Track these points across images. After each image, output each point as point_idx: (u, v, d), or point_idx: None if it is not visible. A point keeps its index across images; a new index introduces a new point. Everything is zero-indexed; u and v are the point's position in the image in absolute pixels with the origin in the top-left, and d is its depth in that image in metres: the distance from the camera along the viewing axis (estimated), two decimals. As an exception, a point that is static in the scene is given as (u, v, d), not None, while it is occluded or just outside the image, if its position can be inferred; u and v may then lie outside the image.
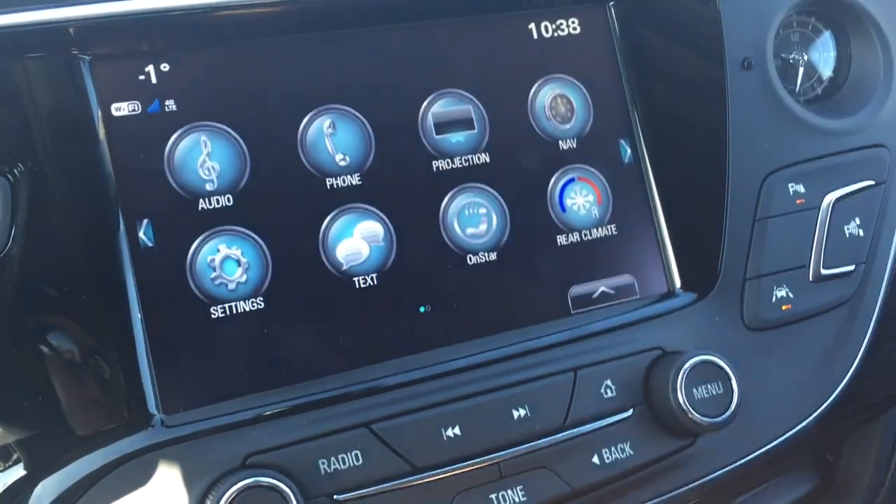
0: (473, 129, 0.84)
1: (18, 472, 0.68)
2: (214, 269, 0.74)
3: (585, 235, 0.86)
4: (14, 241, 0.67)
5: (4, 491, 0.68)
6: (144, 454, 0.67)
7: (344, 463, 0.70)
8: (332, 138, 0.79)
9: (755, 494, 1.01)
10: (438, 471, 0.72)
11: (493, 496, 0.73)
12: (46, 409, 0.68)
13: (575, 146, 0.87)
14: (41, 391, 0.68)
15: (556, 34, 0.88)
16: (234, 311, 0.74)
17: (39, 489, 0.67)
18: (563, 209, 0.86)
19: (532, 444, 0.75)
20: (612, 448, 0.77)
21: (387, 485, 0.70)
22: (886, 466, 1.04)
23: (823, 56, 1.00)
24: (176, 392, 0.71)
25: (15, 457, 0.68)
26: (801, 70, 0.99)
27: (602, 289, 0.86)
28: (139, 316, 0.70)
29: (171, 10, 0.73)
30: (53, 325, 0.69)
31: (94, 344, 0.69)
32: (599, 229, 0.87)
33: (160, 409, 0.70)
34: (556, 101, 0.87)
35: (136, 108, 0.73)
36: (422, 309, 0.79)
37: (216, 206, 0.74)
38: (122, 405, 0.69)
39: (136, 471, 0.67)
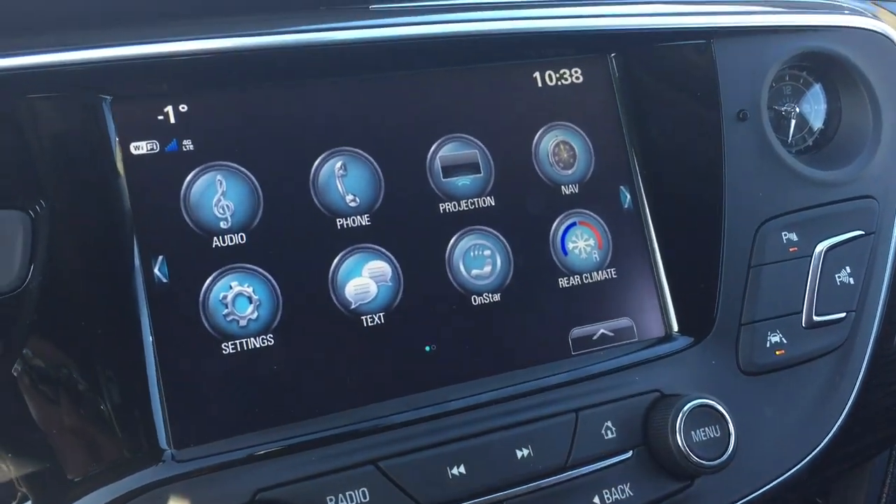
0: (480, 172, 0.86)
1: (27, 507, 0.68)
2: (227, 306, 0.75)
3: (586, 278, 0.88)
4: (33, 276, 0.68)
5: (13, 528, 0.68)
6: (155, 489, 0.68)
7: (352, 500, 0.71)
8: (343, 179, 0.81)
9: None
10: (444, 509, 0.73)
11: (496, 535, 0.74)
12: (57, 444, 0.69)
13: (577, 191, 0.89)
14: (52, 425, 0.69)
15: (559, 83, 0.91)
16: (245, 348, 0.75)
17: (49, 525, 0.67)
18: (565, 252, 0.88)
19: (535, 483, 0.76)
20: (613, 489, 0.79)
21: (393, 522, 0.71)
22: (875, 510, 1.06)
23: (814, 108, 1.03)
24: (187, 427, 0.72)
25: (23, 492, 0.68)
26: (793, 122, 1.02)
27: (602, 331, 0.88)
28: (152, 351, 0.72)
29: (190, 54, 0.74)
30: (67, 358, 0.70)
31: (106, 378, 0.70)
32: (600, 273, 0.89)
33: (171, 444, 0.71)
34: (559, 148, 0.90)
35: (155, 148, 0.75)
36: (427, 348, 0.81)
37: (230, 243, 0.76)
38: (134, 440, 0.70)
39: (147, 505, 0.68)
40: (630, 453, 0.80)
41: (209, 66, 0.76)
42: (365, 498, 0.71)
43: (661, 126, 0.93)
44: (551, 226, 0.88)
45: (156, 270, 0.73)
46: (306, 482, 0.70)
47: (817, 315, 0.92)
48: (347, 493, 0.71)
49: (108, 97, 0.73)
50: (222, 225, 0.76)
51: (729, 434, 0.81)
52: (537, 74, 0.90)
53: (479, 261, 0.84)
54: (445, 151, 0.85)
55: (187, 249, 0.75)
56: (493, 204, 0.86)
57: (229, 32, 0.75)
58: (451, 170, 0.85)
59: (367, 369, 0.79)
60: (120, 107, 0.74)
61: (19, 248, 0.68)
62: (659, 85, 0.93)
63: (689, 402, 0.80)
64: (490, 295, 0.84)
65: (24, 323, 0.68)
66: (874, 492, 1.04)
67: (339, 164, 0.81)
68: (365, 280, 0.80)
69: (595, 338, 0.88)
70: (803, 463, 0.89)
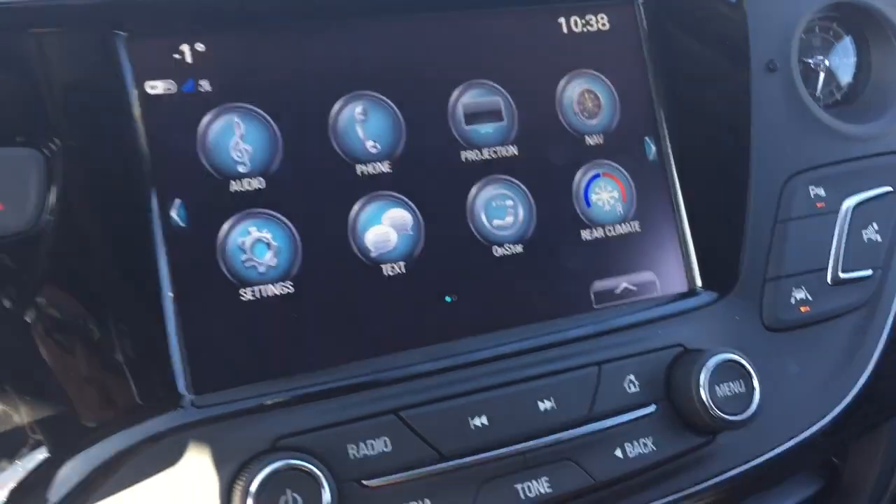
0: (502, 120, 0.84)
1: (41, 454, 0.67)
2: (245, 252, 0.73)
3: (609, 231, 0.87)
4: (48, 216, 0.66)
5: (28, 475, 0.66)
6: (175, 434, 0.67)
7: (373, 449, 0.70)
8: (363, 125, 0.79)
9: (762, 495, 1.01)
10: (465, 459, 0.72)
11: (518, 486, 0.73)
12: (73, 390, 0.67)
13: (601, 142, 0.87)
14: (68, 371, 0.68)
15: (585, 29, 0.88)
16: (264, 295, 0.73)
17: (65, 470, 0.66)
18: (588, 204, 0.86)
19: (557, 435, 0.75)
20: (635, 442, 0.78)
21: (414, 472, 0.70)
22: (891, 470, 1.05)
23: (844, 62, 1.01)
24: (206, 373, 0.70)
25: (37, 438, 0.67)
26: (822, 75, 0.99)
27: (624, 285, 0.87)
28: (170, 295, 0.70)
29: (207, -10, 0.72)
30: (83, 303, 0.68)
31: (123, 323, 0.69)
32: (623, 225, 0.87)
33: (190, 390, 0.69)
34: (583, 96, 0.87)
35: (171, 88, 0.73)
36: (448, 299, 0.79)
37: (248, 188, 0.74)
38: (152, 385, 0.68)
39: (166, 451, 0.66)
40: (653, 407, 0.79)
41: (226, 3, 0.74)
42: (386, 447, 0.70)
43: (689, 77, 0.90)
44: (574, 176, 0.86)
45: (173, 214, 0.71)
46: (326, 430, 0.69)
47: (843, 272, 0.90)
48: (368, 442, 0.70)
49: (124, 34, 0.71)
50: (240, 169, 0.74)
51: (753, 389, 0.79)
52: (562, 20, 0.87)
53: (500, 211, 0.82)
54: (468, 98, 0.83)
55: (205, 193, 0.73)
56: (515, 153, 0.84)
57: (248, -32, 0.72)
58: (473, 117, 0.83)
59: (386, 319, 0.77)
60: (135, 44, 0.71)
61: (33, 187, 0.66)
62: (687, 34, 0.91)
63: (714, 356, 0.79)
64: (512, 246, 0.82)
65: (39, 264, 0.66)
66: (892, 451, 1.03)
67: (359, 109, 0.79)
68: (385, 228, 0.78)
69: (617, 291, 0.86)
70: (825, 421, 0.88)
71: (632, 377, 0.79)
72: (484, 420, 0.73)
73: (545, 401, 0.76)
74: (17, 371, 0.67)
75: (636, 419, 0.78)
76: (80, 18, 0.69)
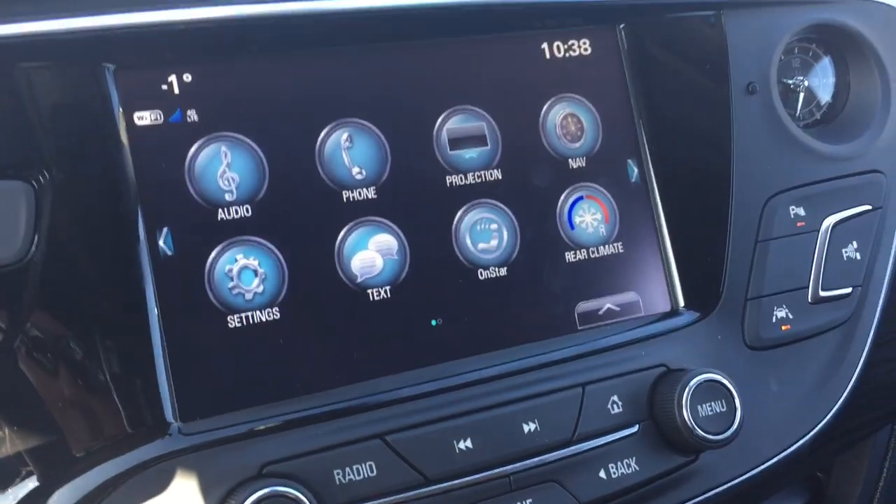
0: (487, 145, 0.85)
1: (31, 483, 0.68)
2: (232, 279, 0.75)
3: (593, 253, 0.88)
4: (37, 248, 0.67)
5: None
6: (161, 462, 0.68)
7: (359, 474, 0.71)
8: (349, 152, 0.80)
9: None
10: (451, 483, 0.73)
11: (503, 509, 0.74)
12: (62, 418, 0.68)
13: (584, 165, 0.89)
14: (56, 399, 0.68)
15: (567, 54, 0.90)
16: (251, 321, 0.74)
17: (55, 499, 0.67)
18: (572, 226, 0.87)
19: (542, 457, 0.76)
20: (619, 463, 0.79)
21: (400, 496, 0.71)
22: (875, 483, 1.06)
23: (823, 82, 1.03)
24: (193, 400, 0.71)
25: (28, 468, 0.68)
26: (801, 95, 1.01)
27: (608, 306, 0.88)
28: (158, 324, 0.71)
29: (194, 23, 0.73)
30: (72, 331, 0.69)
31: (112, 351, 0.69)
32: (606, 247, 0.89)
33: (177, 417, 0.70)
34: (566, 120, 0.89)
35: (159, 118, 0.74)
36: (434, 322, 0.81)
37: (235, 216, 0.75)
38: (139, 413, 0.69)
39: (153, 479, 0.67)
40: (636, 427, 0.80)
41: (213, 34, 0.75)
42: (372, 472, 0.71)
43: (670, 99, 0.92)
44: (558, 199, 0.87)
45: (161, 243, 0.72)
46: (313, 456, 0.70)
47: (823, 290, 0.92)
48: (354, 467, 0.71)
49: (111, 66, 0.72)
50: (227, 197, 0.75)
51: (735, 409, 0.81)
52: (545, 45, 0.89)
53: (485, 234, 0.84)
54: (452, 123, 0.84)
55: (192, 222, 0.74)
56: (500, 177, 0.85)
57: (234, 1, 0.73)
58: (457, 142, 0.84)
59: (373, 343, 0.78)
60: (123, 76, 0.72)
61: (23, 219, 0.67)
62: (668, 57, 0.92)
63: (696, 376, 0.80)
64: (497, 269, 0.84)
65: (28, 295, 0.67)
66: (876, 466, 1.05)
67: (345, 136, 0.80)
68: (371, 253, 0.79)
69: (601, 312, 0.87)
70: (807, 438, 0.90)
71: (615, 398, 0.81)
72: (469, 443, 0.74)
73: (530, 423, 0.77)
74: (6, 401, 0.68)
75: (619, 440, 0.79)
76: (69, 52, 0.70)
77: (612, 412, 0.80)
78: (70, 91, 0.70)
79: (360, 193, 0.80)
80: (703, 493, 0.84)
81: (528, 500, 0.75)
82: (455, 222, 0.83)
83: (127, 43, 0.72)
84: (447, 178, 0.83)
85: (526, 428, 0.76)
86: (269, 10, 0.74)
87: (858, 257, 0.94)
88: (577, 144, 0.89)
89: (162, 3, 0.71)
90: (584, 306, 0.87)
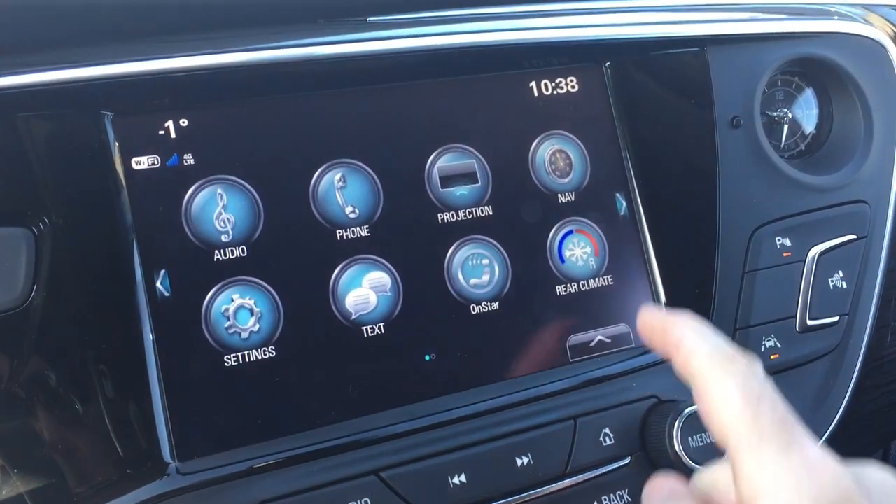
0: (477, 182, 0.87)
1: (32, 524, 0.69)
2: (228, 319, 0.76)
3: (583, 286, 0.89)
4: (37, 293, 0.69)
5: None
6: (160, 501, 0.69)
7: (354, 510, 0.72)
8: (342, 191, 0.82)
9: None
10: (445, 518, 0.74)
11: (498, 543, 0.75)
12: (61, 460, 0.69)
13: (573, 199, 0.90)
14: (56, 441, 0.69)
15: (555, 92, 0.92)
16: (247, 360, 0.76)
17: (55, 540, 0.68)
18: (562, 260, 0.89)
19: (535, 490, 0.77)
20: (612, 495, 0.80)
21: (396, 532, 0.72)
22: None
23: (806, 113, 1.05)
24: (190, 440, 0.72)
25: (29, 508, 0.69)
26: (785, 127, 1.03)
27: (599, 338, 0.89)
28: (155, 364, 0.72)
29: (190, 70, 0.75)
30: (71, 374, 0.70)
31: (110, 392, 0.71)
32: (596, 280, 0.90)
33: (175, 457, 0.71)
34: (555, 156, 0.90)
35: (156, 162, 0.76)
36: (427, 357, 0.82)
37: (231, 256, 0.77)
38: (137, 453, 0.70)
39: (152, 518, 0.68)
40: (628, 459, 0.81)
41: (209, 81, 0.77)
42: (367, 508, 0.72)
43: (656, 134, 0.94)
44: (548, 234, 0.89)
45: (158, 284, 0.74)
46: (309, 493, 0.71)
47: (811, 319, 0.93)
48: (350, 504, 0.72)
49: (110, 113, 0.74)
50: (223, 238, 0.77)
51: (725, 439, 0.82)
52: (533, 84, 0.91)
53: (477, 270, 0.85)
54: (443, 162, 0.86)
55: (189, 263, 0.75)
56: (490, 213, 0.87)
57: (228, 48, 0.75)
58: (448, 180, 0.86)
59: (367, 380, 0.79)
60: (121, 122, 0.75)
61: (23, 266, 0.68)
62: (653, 93, 0.94)
63: (687, 407, 0.81)
64: (489, 303, 0.85)
65: (28, 339, 0.68)
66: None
67: (338, 176, 0.82)
68: (365, 291, 0.81)
69: (592, 344, 0.89)
70: (798, 465, 0.90)
71: (607, 430, 0.82)
72: (463, 478, 0.75)
73: (523, 457, 0.78)
74: (6, 443, 0.69)
75: (612, 471, 0.80)
76: (68, 101, 0.72)
77: (605, 444, 0.81)
78: (69, 138, 0.72)
79: (353, 232, 0.81)
80: (696, 524, 0.84)
81: (522, 534, 0.76)
82: (447, 258, 0.84)
83: (125, 91, 0.74)
84: (439, 215, 0.85)
85: (519, 462, 0.77)
86: (262, 57, 0.76)
87: (845, 286, 0.95)
88: (566, 180, 0.91)
89: (158, 53, 0.73)
90: (575, 339, 0.88)
